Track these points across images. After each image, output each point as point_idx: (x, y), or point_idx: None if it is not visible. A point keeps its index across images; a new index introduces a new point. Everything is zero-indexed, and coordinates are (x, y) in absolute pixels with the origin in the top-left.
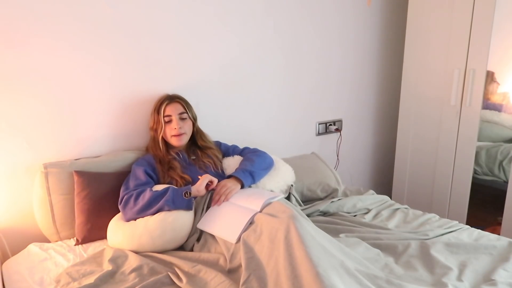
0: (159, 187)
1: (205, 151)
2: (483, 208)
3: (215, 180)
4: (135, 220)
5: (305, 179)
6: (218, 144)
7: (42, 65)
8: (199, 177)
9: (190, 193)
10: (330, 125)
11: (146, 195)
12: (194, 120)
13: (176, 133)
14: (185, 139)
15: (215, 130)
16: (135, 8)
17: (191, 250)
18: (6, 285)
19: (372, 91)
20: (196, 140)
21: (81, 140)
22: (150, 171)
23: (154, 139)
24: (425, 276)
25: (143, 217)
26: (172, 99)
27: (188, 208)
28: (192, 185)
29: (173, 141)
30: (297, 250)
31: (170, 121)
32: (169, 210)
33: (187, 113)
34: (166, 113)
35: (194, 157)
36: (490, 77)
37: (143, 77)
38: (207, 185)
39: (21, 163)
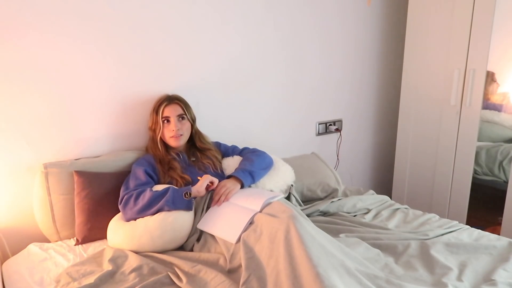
0: (159, 187)
1: (204, 153)
2: (483, 208)
3: (216, 181)
4: (135, 220)
5: (305, 179)
6: (218, 144)
7: (43, 65)
8: (199, 178)
9: (190, 194)
10: (330, 125)
11: (146, 195)
12: (192, 122)
13: (174, 135)
14: (182, 140)
15: (215, 130)
16: (136, 9)
17: (191, 250)
18: (6, 285)
19: (372, 91)
20: (195, 142)
21: (81, 140)
22: (150, 171)
23: (153, 139)
24: (425, 276)
25: (143, 217)
26: (171, 100)
27: (188, 208)
28: (192, 186)
29: (171, 142)
30: (297, 250)
31: (168, 122)
32: (169, 210)
33: (186, 114)
34: (165, 114)
35: (194, 159)
36: (490, 77)
37: (143, 77)
38: (207, 186)
39: (21, 163)
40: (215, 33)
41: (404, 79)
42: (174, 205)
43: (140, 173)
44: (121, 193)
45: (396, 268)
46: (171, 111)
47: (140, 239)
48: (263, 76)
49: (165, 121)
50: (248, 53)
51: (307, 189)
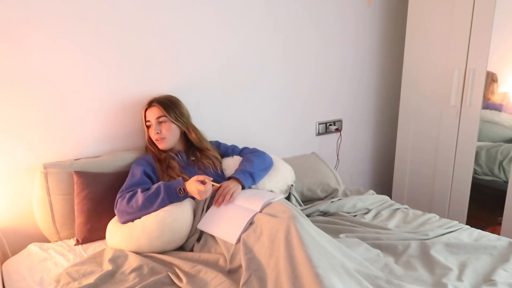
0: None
1: (204, 153)
2: (483, 208)
3: (206, 177)
4: (132, 221)
5: (305, 179)
6: (217, 144)
7: (42, 66)
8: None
9: (184, 189)
10: (330, 125)
11: (140, 199)
12: (180, 123)
13: (156, 138)
14: (167, 142)
15: (215, 130)
16: (135, 8)
17: (191, 250)
18: (6, 285)
19: (372, 91)
20: (192, 142)
21: (80, 140)
22: (149, 172)
23: (148, 141)
24: (425, 276)
25: (139, 218)
26: (150, 103)
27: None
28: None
29: (157, 145)
30: (297, 251)
31: (151, 126)
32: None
33: (166, 116)
34: (147, 119)
35: (193, 158)
36: (490, 77)
37: (142, 77)
38: (203, 182)
39: (21, 163)
40: (215, 33)
41: (404, 79)
42: (171, 201)
43: (137, 172)
44: (117, 197)
45: (396, 268)
46: (150, 115)
47: (138, 240)
48: (263, 76)
49: (148, 125)
50: (248, 53)
51: (307, 189)
